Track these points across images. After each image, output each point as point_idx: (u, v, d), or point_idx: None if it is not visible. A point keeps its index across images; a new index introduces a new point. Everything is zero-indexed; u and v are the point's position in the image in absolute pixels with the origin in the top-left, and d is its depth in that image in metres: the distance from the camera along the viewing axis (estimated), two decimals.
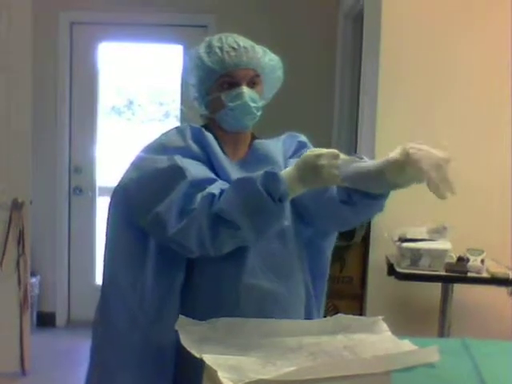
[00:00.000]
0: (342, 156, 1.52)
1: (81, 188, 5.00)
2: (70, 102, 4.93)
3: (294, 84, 4.48)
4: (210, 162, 1.71)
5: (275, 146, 1.83)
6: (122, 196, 1.70)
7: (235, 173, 1.71)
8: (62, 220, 4.96)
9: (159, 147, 1.69)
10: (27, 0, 3.72)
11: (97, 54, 4.94)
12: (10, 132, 3.76)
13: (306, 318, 1.82)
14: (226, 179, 1.67)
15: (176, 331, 1.45)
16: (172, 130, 1.75)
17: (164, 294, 1.67)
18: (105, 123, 5.14)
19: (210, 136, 1.74)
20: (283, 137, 1.90)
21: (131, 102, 5.50)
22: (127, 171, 1.70)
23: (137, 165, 1.68)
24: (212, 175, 1.66)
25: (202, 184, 1.60)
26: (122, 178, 1.70)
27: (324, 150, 1.52)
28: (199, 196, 1.57)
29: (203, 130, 1.75)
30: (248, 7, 4.72)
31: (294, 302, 1.79)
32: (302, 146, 1.85)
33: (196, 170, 1.64)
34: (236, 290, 1.68)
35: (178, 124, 5.01)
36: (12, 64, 3.73)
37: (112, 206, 1.74)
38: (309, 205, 1.76)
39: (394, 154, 1.44)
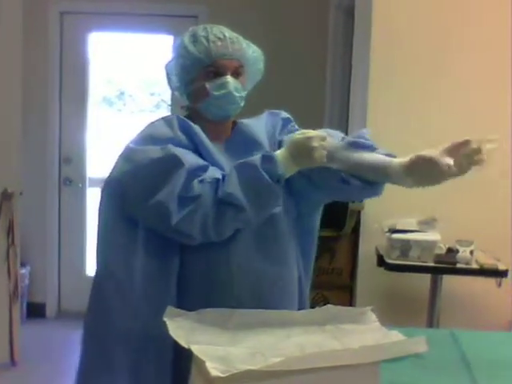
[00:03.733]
0: (329, 138, 1.67)
1: (71, 179, 4.98)
2: (60, 92, 4.90)
3: (286, 75, 4.51)
4: (197, 151, 1.72)
5: (258, 126, 1.85)
6: (116, 189, 1.69)
7: (221, 156, 1.74)
8: (52, 211, 4.94)
9: (148, 138, 1.69)
10: None
11: (87, 44, 4.90)
12: None
13: (300, 306, 1.84)
14: (216, 166, 1.70)
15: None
16: (159, 120, 1.75)
17: (164, 281, 1.68)
18: (96, 114, 5.11)
19: (196, 126, 1.74)
20: (264, 115, 1.91)
21: (122, 93, 5.48)
22: (118, 164, 1.69)
23: (128, 157, 1.68)
24: (204, 162, 1.68)
25: (197, 171, 1.63)
26: (113, 171, 1.70)
27: (313, 132, 1.64)
28: (196, 183, 1.60)
29: (189, 121, 1.75)
30: None
31: (289, 283, 1.81)
32: (287, 122, 1.91)
33: (189, 157, 1.65)
34: (230, 275, 1.70)
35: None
36: (2, 54, 3.71)
37: (104, 199, 1.73)
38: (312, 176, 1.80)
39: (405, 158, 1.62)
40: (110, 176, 1.71)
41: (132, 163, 1.66)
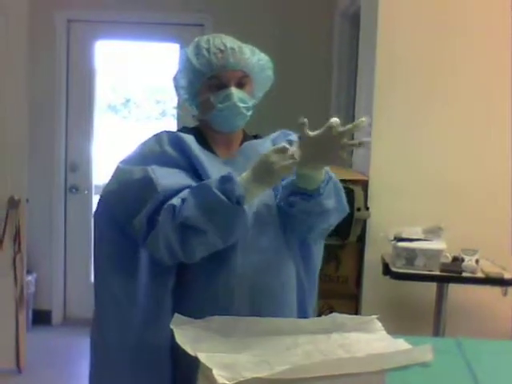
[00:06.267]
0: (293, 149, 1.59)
1: (77, 186, 4.99)
2: (66, 99, 4.92)
3: (291, 83, 4.51)
4: (192, 165, 1.72)
5: (263, 145, 1.82)
6: (105, 208, 1.75)
7: (221, 171, 1.68)
8: (58, 218, 4.96)
9: (138, 157, 1.72)
10: None
11: (93, 52, 4.93)
12: (6, 130, 3.76)
13: (300, 314, 1.83)
14: (209, 178, 1.68)
15: (171, 330, 1.46)
16: (151, 137, 1.76)
17: (157, 294, 1.71)
18: (101, 121, 5.14)
19: (188, 138, 1.74)
20: (275, 134, 1.89)
21: (128, 100, 5.51)
22: (108, 183, 1.74)
23: (116, 176, 1.72)
24: (187, 182, 1.66)
25: (172, 196, 1.63)
26: (104, 190, 1.75)
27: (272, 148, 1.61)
28: (164, 207, 1.61)
29: (180, 134, 1.75)
30: (245, 6, 4.72)
31: (286, 295, 1.80)
32: (290, 144, 1.85)
33: (170, 179, 1.65)
34: (230, 289, 1.70)
35: (174, 122, 5.03)
36: (8, 61, 3.73)
37: (97, 217, 1.77)
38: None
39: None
40: (101, 195, 1.76)
41: (117, 183, 1.70)
